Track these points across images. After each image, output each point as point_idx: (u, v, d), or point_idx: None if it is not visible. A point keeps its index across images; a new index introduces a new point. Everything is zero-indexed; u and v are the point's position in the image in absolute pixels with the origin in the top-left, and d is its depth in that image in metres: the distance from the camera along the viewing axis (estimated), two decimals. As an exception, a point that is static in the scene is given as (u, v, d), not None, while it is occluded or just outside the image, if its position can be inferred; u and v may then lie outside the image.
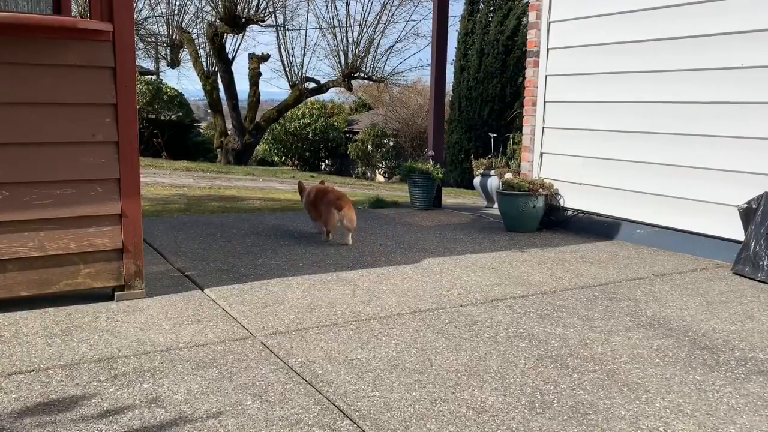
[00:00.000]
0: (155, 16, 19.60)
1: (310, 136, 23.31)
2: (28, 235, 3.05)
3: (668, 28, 4.89)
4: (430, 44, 7.20)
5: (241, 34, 18.88)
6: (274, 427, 2.08)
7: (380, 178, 21.96)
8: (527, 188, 5.54)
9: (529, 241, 5.20)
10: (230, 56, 18.97)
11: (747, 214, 4.32)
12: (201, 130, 25.54)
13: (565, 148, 5.79)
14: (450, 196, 9.78)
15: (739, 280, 4.12)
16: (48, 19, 3.20)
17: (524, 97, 6.21)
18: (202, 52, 19.53)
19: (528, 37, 6.11)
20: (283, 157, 24.08)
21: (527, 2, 7.31)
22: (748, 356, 2.81)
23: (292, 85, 19.63)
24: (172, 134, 20.58)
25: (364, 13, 27.46)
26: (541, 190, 5.58)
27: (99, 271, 3.24)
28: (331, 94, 27.88)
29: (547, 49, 5.89)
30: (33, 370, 2.46)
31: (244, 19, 17.75)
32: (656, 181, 5.03)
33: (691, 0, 4.72)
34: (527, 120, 6.14)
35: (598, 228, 5.50)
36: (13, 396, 2.25)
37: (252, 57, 19.30)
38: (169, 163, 15.47)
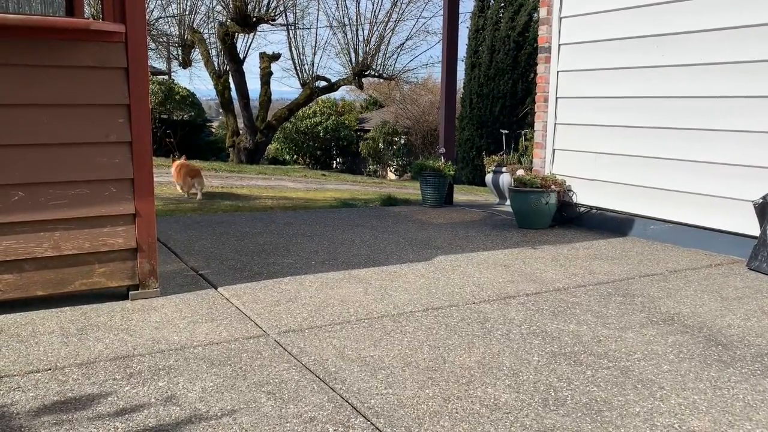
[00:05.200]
0: (167, 17, 19.69)
1: (321, 134, 23.35)
2: (43, 235, 3.08)
3: (680, 22, 4.85)
4: (441, 41, 7.19)
5: (252, 34, 18.92)
6: (288, 424, 2.10)
7: (391, 175, 21.96)
8: (539, 185, 5.52)
9: (542, 238, 5.18)
10: (241, 56, 19.02)
11: (762, 209, 4.28)
12: (213, 130, 25.66)
13: (578, 144, 5.76)
14: (462, 194, 9.76)
15: (755, 276, 4.08)
16: (61, 21, 3.22)
17: (536, 94, 6.19)
18: (213, 52, 19.60)
19: (539, 33, 6.08)
20: (295, 156, 24.14)
21: (538, -2, 7.29)
22: (764, 352, 2.79)
23: (303, 84, 19.65)
24: (185, 134, 20.69)
25: (375, 11, 27.48)
26: (553, 186, 5.55)
27: (114, 271, 3.27)
28: (342, 93, 27.94)
29: (559, 45, 5.86)
30: (50, 369, 2.49)
31: (254, 19, 17.78)
32: (669, 177, 5.00)
33: (704, -7, 4.69)
34: (539, 116, 6.12)
35: (611, 224, 5.48)
36: (31, 394, 2.28)
37: (263, 56, 19.34)
38: (182, 162, 15.51)
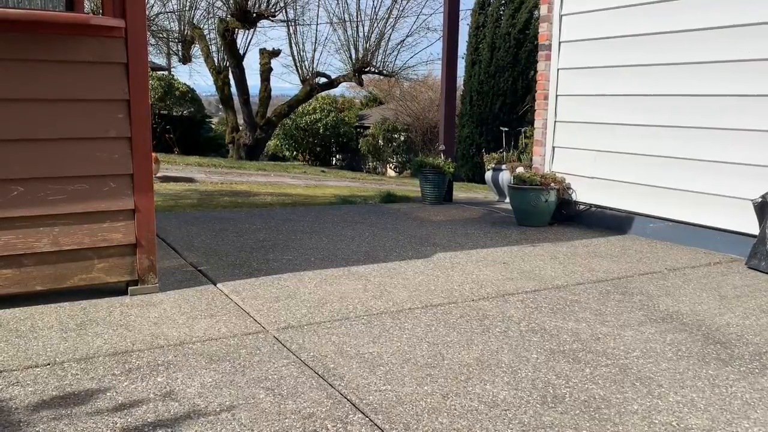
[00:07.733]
0: (167, 12, 19.67)
1: (321, 131, 23.34)
2: (42, 230, 3.08)
3: (682, 19, 4.84)
4: (441, 38, 7.18)
5: (252, 30, 18.92)
6: (286, 420, 2.10)
7: (391, 172, 21.95)
8: (539, 182, 5.52)
9: (541, 236, 5.19)
10: (241, 52, 19.02)
11: (762, 208, 4.28)
12: (213, 126, 25.64)
13: (578, 141, 5.76)
14: (461, 191, 9.76)
15: (754, 275, 4.09)
16: (62, 16, 3.22)
17: (536, 91, 6.19)
18: (213, 48, 19.59)
19: (539, 31, 6.08)
20: (294, 152, 24.13)
21: (539, -5, 7.27)
22: (762, 351, 2.79)
23: (303, 80, 19.64)
24: (184, 130, 20.68)
25: (375, 8, 27.40)
26: (552, 184, 5.55)
27: (113, 266, 3.27)
28: (342, 89, 27.86)
29: (559, 42, 5.85)
30: (49, 364, 2.49)
31: (255, 15, 17.77)
32: (669, 175, 5.00)
33: (705, -8, 4.68)
34: (539, 114, 6.12)
35: (611, 222, 5.48)
36: (30, 389, 2.28)
37: (263, 52, 19.32)
38: (181, 158, 15.55)
